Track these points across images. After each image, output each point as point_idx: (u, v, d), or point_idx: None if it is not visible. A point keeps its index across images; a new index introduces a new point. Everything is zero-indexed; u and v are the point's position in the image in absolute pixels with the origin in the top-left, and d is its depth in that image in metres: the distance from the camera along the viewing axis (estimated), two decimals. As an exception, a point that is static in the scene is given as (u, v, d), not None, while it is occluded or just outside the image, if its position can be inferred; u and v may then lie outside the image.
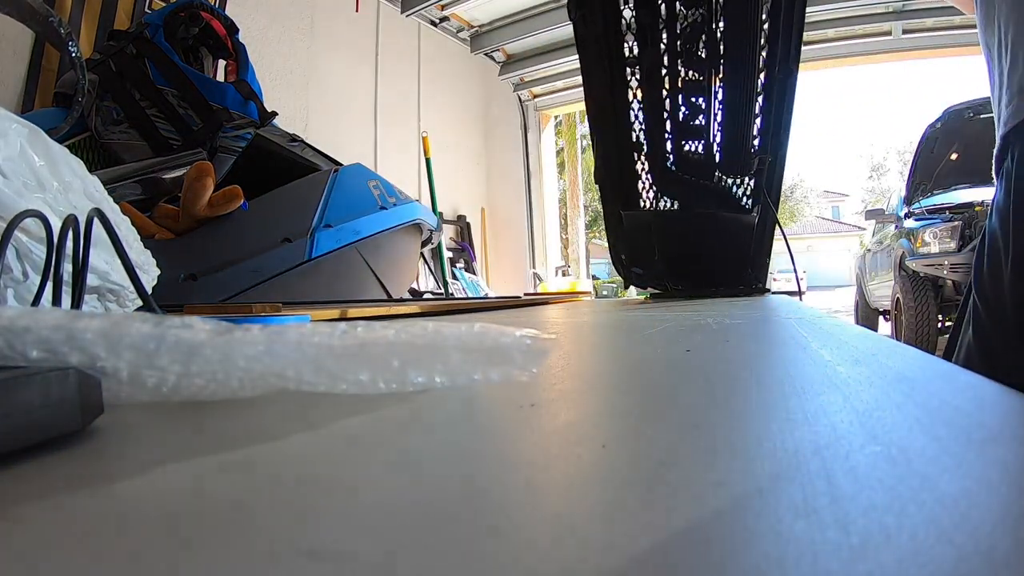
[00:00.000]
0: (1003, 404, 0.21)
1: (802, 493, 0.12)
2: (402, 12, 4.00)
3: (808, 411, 0.19)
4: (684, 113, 1.15)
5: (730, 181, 1.19)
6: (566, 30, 4.11)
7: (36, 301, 0.37)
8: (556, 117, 5.60)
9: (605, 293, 4.90)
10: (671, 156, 1.20)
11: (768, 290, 1.34)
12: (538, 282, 4.87)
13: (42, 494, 0.13)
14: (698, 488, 0.13)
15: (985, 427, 0.17)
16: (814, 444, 0.16)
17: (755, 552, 0.10)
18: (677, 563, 0.09)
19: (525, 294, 2.45)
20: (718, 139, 1.16)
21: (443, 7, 4.14)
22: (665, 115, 1.17)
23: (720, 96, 1.13)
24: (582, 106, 5.58)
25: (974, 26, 0.81)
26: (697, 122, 1.15)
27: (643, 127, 1.20)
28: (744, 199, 1.19)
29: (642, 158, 1.23)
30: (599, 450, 0.16)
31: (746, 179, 1.18)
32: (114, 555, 0.10)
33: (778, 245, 1.23)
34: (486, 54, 4.74)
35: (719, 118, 1.14)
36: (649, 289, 1.32)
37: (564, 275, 5.07)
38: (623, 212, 1.25)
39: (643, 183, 1.24)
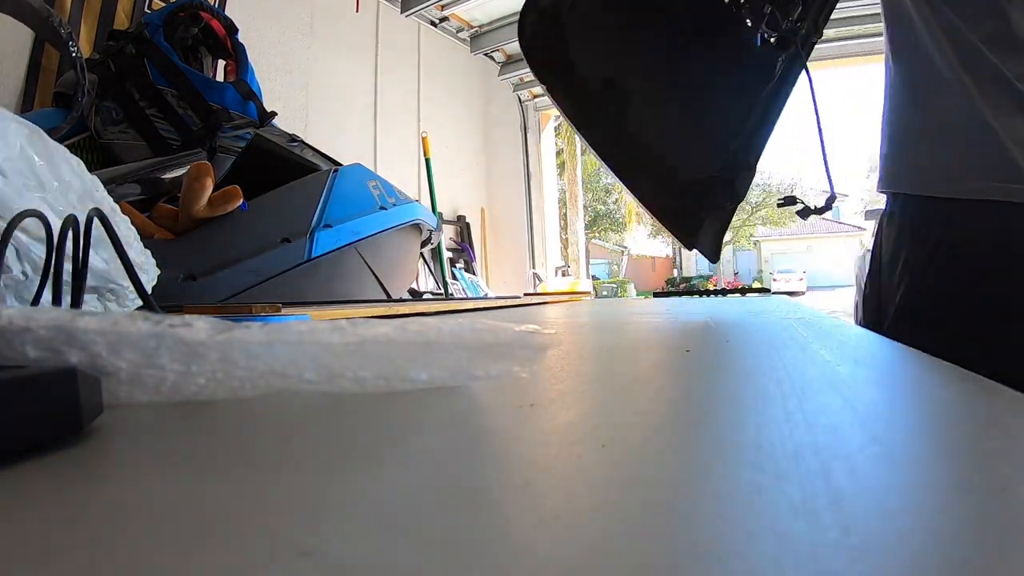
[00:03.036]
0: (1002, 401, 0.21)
1: (801, 493, 0.12)
2: (402, 12, 4.00)
3: (807, 411, 0.19)
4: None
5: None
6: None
7: (36, 301, 0.37)
8: (556, 117, 5.59)
9: (605, 293, 4.89)
10: None
11: (768, 290, 1.37)
12: (538, 282, 4.87)
13: (42, 494, 0.13)
14: (698, 488, 0.13)
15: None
16: (814, 445, 0.16)
17: (755, 552, 0.10)
18: (677, 563, 0.09)
19: (525, 294, 2.45)
20: None
21: (443, 7, 4.14)
22: None
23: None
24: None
25: None
26: None
27: None
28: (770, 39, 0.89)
29: None
30: (599, 450, 0.16)
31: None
32: (114, 555, 0.10)
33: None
34: (486, 54, 4.74)
35: None
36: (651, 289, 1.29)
37: (564, 275, 5.06)
38: None
39: None
